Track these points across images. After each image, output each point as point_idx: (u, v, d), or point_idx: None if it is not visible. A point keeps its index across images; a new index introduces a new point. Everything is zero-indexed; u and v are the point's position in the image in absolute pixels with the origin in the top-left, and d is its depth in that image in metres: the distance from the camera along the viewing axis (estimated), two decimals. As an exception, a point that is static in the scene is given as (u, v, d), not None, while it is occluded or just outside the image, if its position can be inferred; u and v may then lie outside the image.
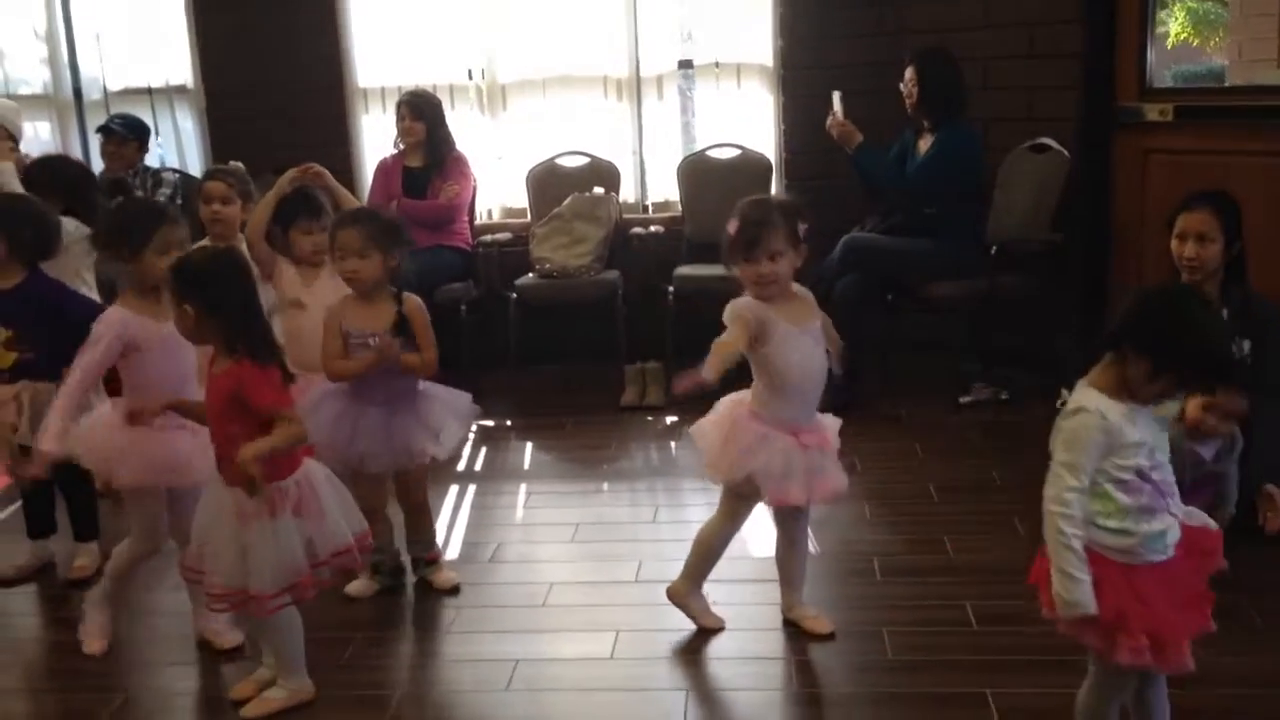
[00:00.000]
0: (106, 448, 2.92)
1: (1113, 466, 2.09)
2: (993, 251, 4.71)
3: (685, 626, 3.08)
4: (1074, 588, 2.08)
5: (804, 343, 2.86)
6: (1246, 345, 3.22)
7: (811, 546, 3.33)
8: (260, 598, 2.57)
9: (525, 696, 2.81)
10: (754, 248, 2.78)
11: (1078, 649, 2.26)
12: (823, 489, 2.89)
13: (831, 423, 2.99)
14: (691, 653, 2.97)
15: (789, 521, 3.01)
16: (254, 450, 2.50)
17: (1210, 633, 2.15)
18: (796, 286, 2.91)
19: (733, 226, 2.82)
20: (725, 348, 2.71)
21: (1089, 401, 2.10)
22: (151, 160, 5.54)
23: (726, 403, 2.99)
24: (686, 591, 3.07)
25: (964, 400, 4.84)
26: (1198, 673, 2.16)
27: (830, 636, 2.95)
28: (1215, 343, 2.09)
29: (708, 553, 3.05)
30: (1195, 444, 2.80)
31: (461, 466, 4.47)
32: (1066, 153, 4.87)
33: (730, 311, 2.81)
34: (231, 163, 4.09)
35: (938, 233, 4.81)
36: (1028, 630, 2.83)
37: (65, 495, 3.68)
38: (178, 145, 5.90)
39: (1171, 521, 2.12)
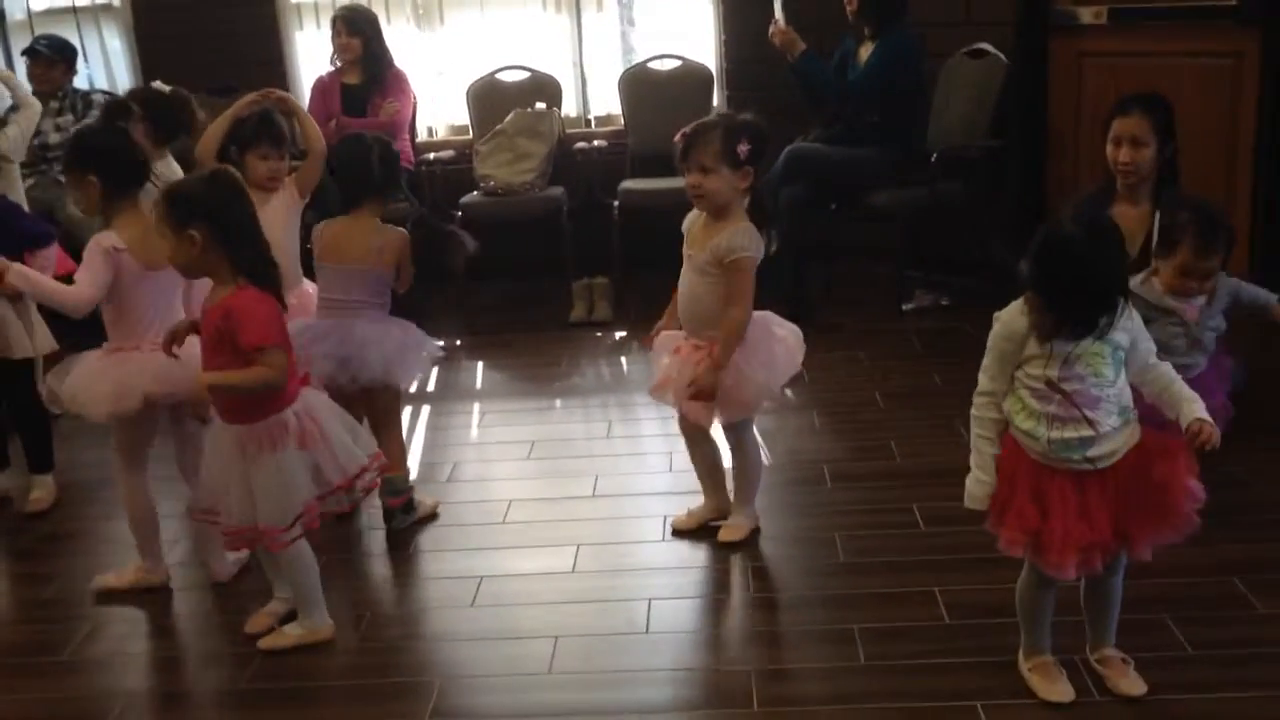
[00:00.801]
0: (87, 375, 2.90)
1: (1024, 375, 2.21)
2: (933, 159, 4.76)
3: (644, 538, 3.16)
4: (972, 482, 2.29)
5: (687, 266, 2.96)
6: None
7: (764, 458, 3.42)
8: (270, 532, 2.59)
9: (491, 612, 2.87)
10: (684, 158, 2.87)
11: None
12: (679, 402, 2.98)
13: (760, 363, 2.95)
14: (651, 564, 3.05)
15: (685, 421, 3.09)
16: (211, 378, 2.51)
17: (1132, 554, 2.26)
18: (740, 219, 2.89)
19: (678, 135, 2.90)
20: None
21: (1004, 313, 2.26)
22: (80, 82, 5.40)
23: None
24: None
25: (906, 307, 4.93)
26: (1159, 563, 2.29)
27: (734, 546, 3.06)
28: (1098, 279, 2.13)
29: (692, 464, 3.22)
30: (1179, 303, 2.83)
31: (414, 387, 4.48)
32: (1004, 58, 4.90)
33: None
34: (155, 83, 3.99)
35: (879, 141, 4.85)
36: (972, 530, 2.90)
37: (19, 428, 3.66)
38: (106, 66, 5.75)
39: (1092, 435, 2.18)
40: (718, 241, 2.86)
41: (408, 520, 3.30)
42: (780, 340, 3.03)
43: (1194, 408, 2.23)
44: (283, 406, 2.59)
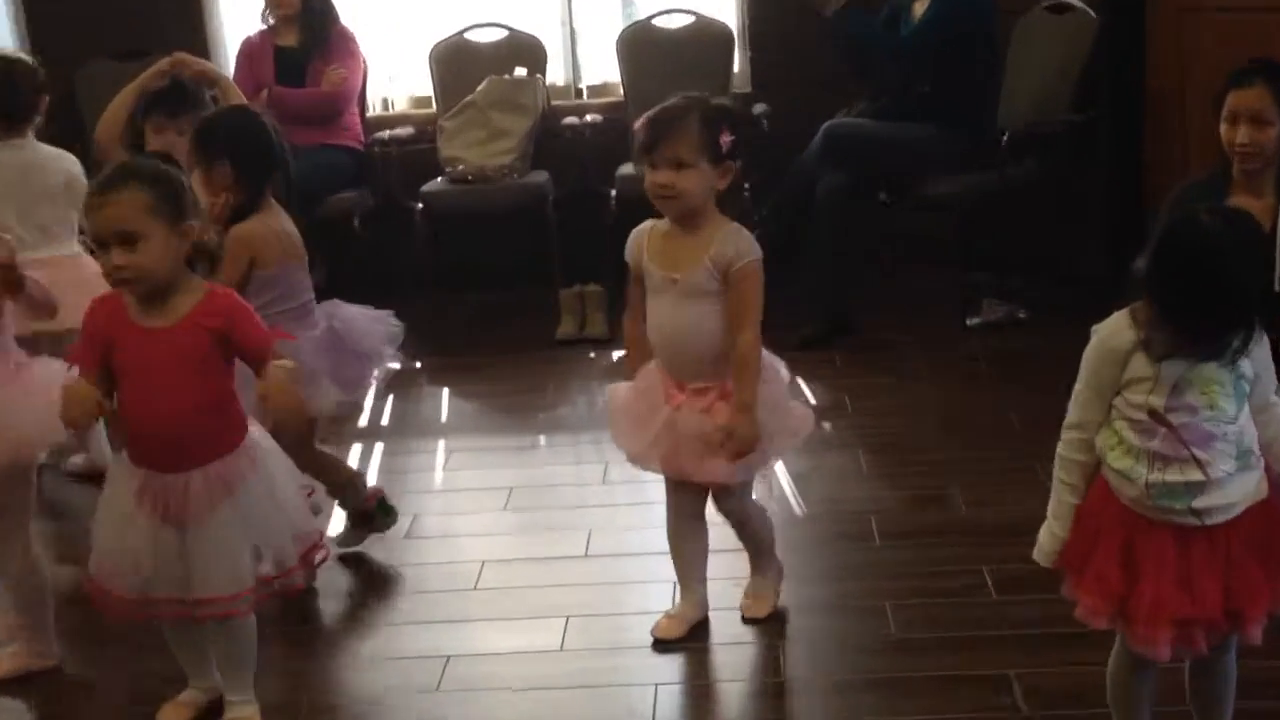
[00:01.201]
0: None
1: (1123, 403, 2.21)
2: (1004, 138, 4.80)
3: (647, 608, 3.18)
4: (1044, 533, 2.32)
5: (667, 295, 2.86)
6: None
7: (795, 507, 3.44)
8: (222, 599, 2.62)
9: (460, 699, 2.89)
10: (651, 150, 2.78)
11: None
12: (694, 466, 2.88)
13: (775, 405, 2.92)
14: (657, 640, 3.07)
15: (680, 494, 3.03)
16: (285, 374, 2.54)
17: (1243, 635, 2.25)
18: (724, 221, 2.86)
19: (640, 121, 2.83)
20: None
21: (1103, 326, 2.25)
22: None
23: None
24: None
25: (973, 321, 4.97)
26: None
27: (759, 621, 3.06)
28: (1236, 293, 2.12)
29: (673, 553, 3.12)
30: None
31: (364, 420, 4.53)
32: (1092, 12, 4.95)
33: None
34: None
35: (938, 116, 4.89)
36: (1055, 599, 2.92)
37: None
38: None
39: (1201, 480, 2.18)
40: (718, 251, 2.81)
41: (389, 523, 3.50)
42: (783, 382, 3.01)
43: None
44: (244, 430, 2.65)
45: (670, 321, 2.88)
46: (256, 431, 2.71)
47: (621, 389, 3.03)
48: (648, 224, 2.92)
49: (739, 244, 2.83)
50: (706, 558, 3.10)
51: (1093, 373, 2.25)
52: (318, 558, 2.80)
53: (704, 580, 3.10)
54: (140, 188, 2.51)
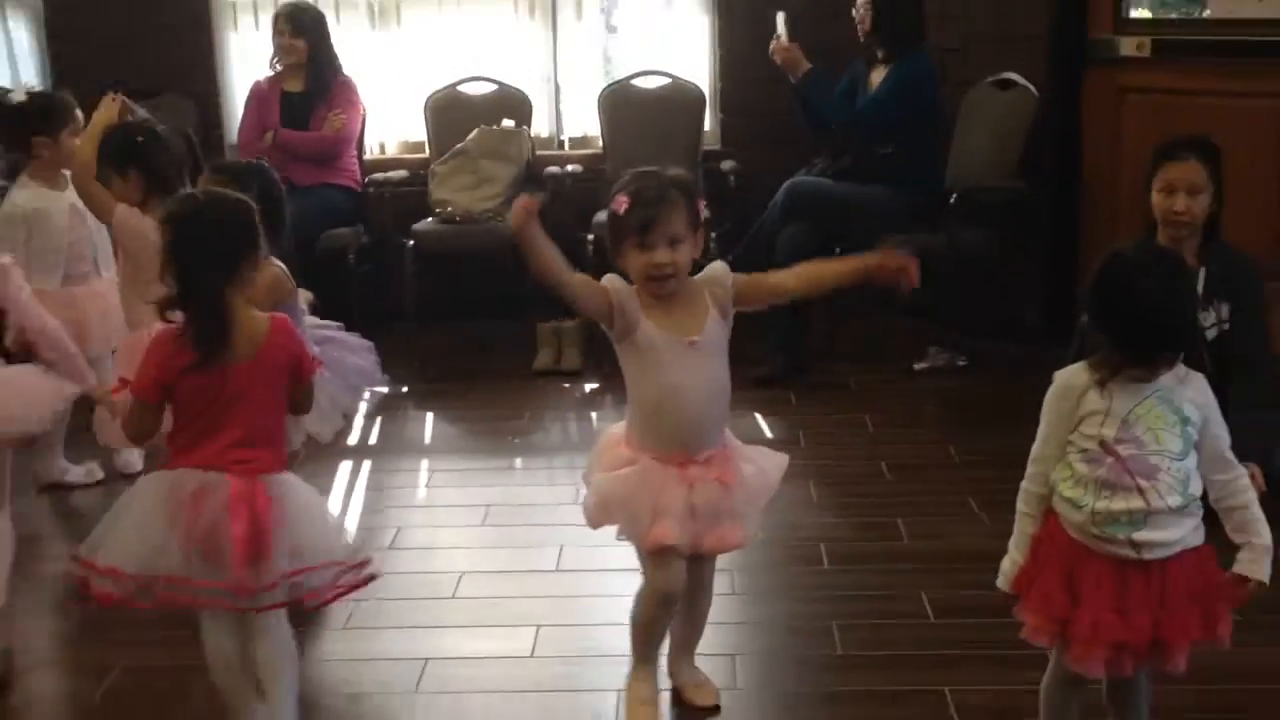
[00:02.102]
0: None
1: (1079, 436, 2.26)
2: (952, 200, 4.87)
3: (613, 620, 3.19)
4: (1006, 561, 2.35)
5: (689, 360, 2.59)
6: (1226, 309, 3.40)
7: (753, 533, 3.45)
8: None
9: (437, 699, 2.90)
10: (647, 232, 2.52)
11: (1036, 644, 2.40)
12: (712, 538, 2.65)
13: (754, 455, 2.75)
14: (621, 650, 3.05)
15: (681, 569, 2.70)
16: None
17: (1165, 665, 2.27)
18: (698, 277, 2.66)
19: (621, 204, 2.54)
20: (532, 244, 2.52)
21: (1063, 370, 2.31)
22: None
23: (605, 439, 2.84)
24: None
25: (918, 366, 5.02)
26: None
27: (714, 710, 2.80)
28: (1162, 311, 2.18)
29: (641, 634, 2.78)
30: None
31: (353, 440, 4.54)
32: (1034, 90, 5.03)
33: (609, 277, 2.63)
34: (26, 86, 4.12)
35: (892, 178, 4.96)
36: (989, 623, 2.96)
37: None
38: (10, 61, 5.79)
39: (1143, 509, 2.21)
40: (711, 295, 2.62)
41: None
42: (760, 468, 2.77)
43: (1254, 559, 2.23)
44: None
45: (697, 383, 2.61)
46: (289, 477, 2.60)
47: (613, 481, 2.69)
48: (630, 289, 2.61)
49: (714, 275, 2.65)
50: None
51: (1052, 410, 2.29)
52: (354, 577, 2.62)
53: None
54: None
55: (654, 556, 2.64)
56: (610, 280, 2.62)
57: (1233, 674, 2.73)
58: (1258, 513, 2.27)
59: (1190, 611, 2.25)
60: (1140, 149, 4.44)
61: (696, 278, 2.65)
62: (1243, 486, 2.28)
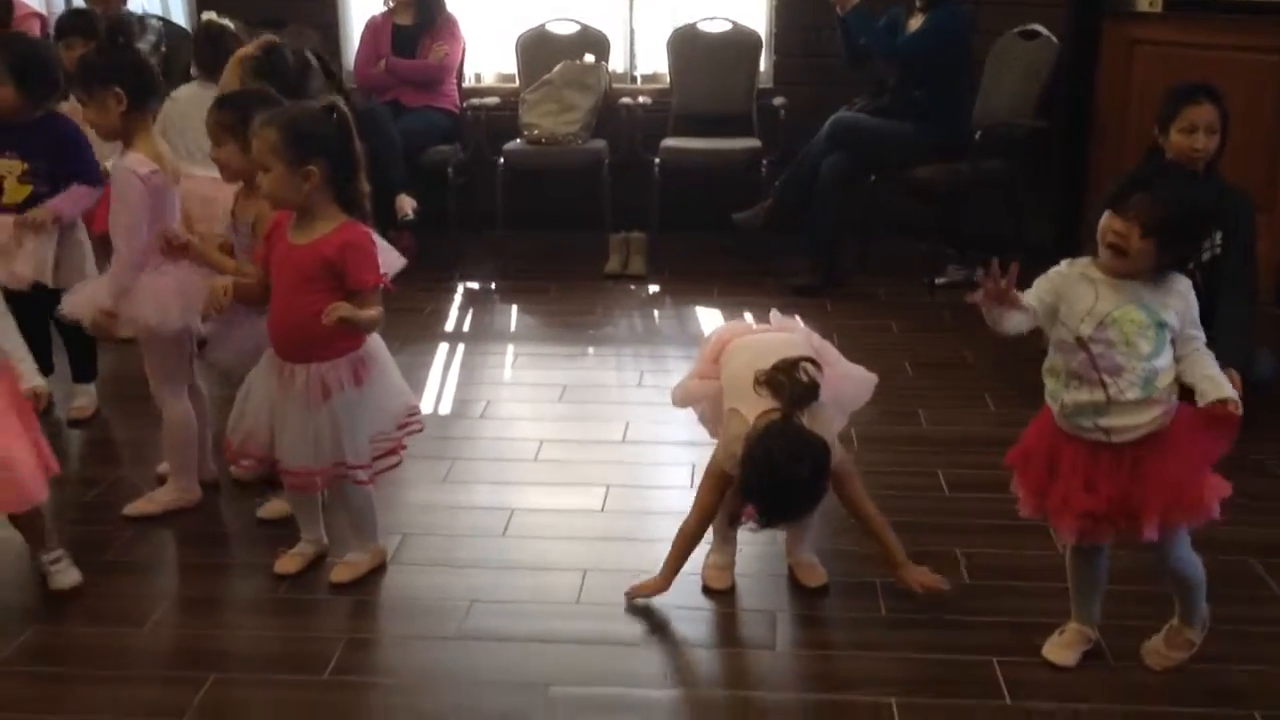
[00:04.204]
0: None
1: (1061, 328, 2.23)
2: (977, 136, 4.78)
3: (672, 484, 3.22)
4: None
5: None
6: (1219, 235, 3.34)
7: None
8: (358, 467, 2.63)
9: (521, 543, 2.95)
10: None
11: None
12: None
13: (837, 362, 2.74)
14: (678, 508, 3.06)
15: None
16: (344, 313, 2.47)
17: (1139, 533, 2.23)
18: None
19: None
20: None
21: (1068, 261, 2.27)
22: (133, 6, 5.44)
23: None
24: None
25: (939, 281, 4.96)
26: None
27: (823, 590, 2.73)
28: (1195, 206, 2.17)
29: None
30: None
31: (450, 326, 4.57)
32: (1055, 39, 4.91)
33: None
34: (206, 15, 4.04)
35: (924, 116, 4.86)
36: (995, 497, 2.97)
37: (64, 337, 3.73)
38: (161, -6, 5.78)
39: (1104, 400, 2.18)
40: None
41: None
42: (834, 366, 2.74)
43: (1213, 386, 2.16)
44: (360, 344, 2.61)
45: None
46: (375, 346, 2.65)
47: (704, 387, 2.72)
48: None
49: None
50: None
51: (1047, 275, 2.27)
52: (407, 431, 2.77)
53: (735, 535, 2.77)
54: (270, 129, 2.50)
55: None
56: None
57: None
58: (1209, 361, 2.21)
59: (1161, 486, 2.21)
60: (1148, 94, 4.36)
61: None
62: (1200, 349, 2.22)
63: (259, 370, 2.69)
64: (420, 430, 2.82)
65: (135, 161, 2.86)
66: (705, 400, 2.74)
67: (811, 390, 2.44)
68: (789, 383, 2.45)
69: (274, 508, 3.02)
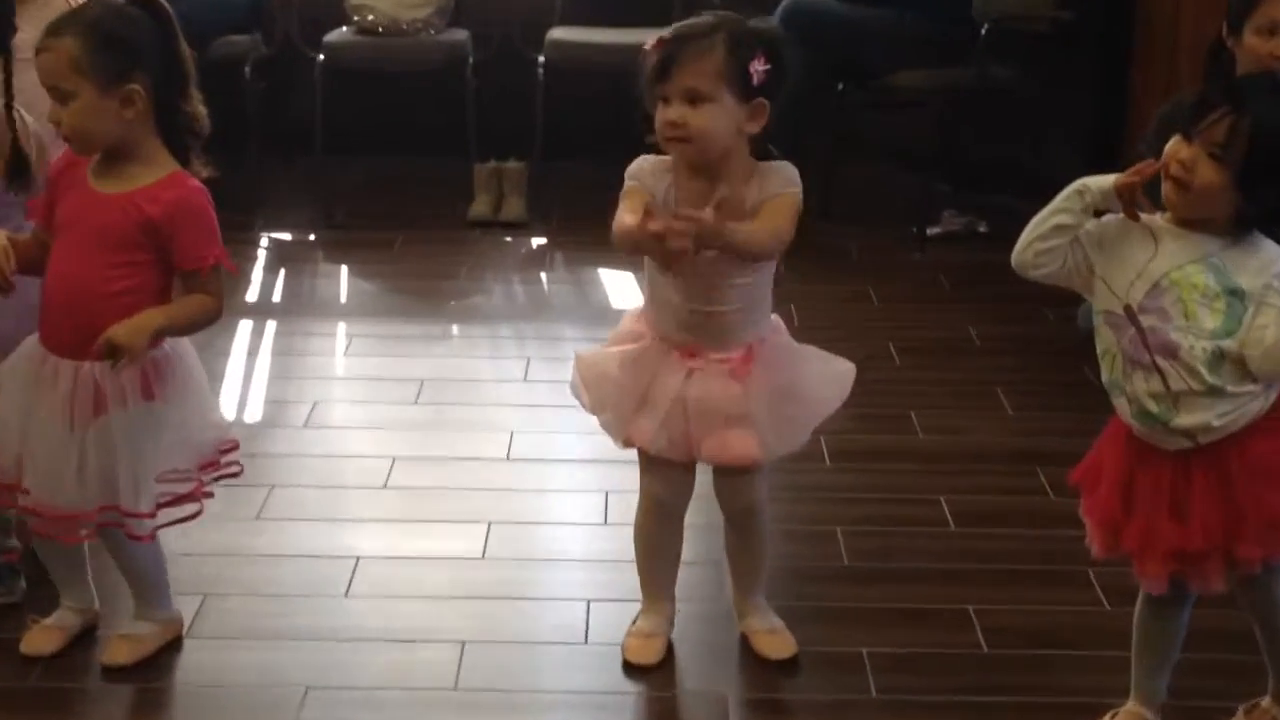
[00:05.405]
0: None
1: (1106, 293, 2.31)
2: (983, 31, 4.89)
3: (580, 519, 3.29)
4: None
5: (696, 262, 2.50)
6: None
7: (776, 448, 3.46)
8: (135, 515, 2.61)
9: (372, 605, 2.97)
10: (663, 79, 2.50)
11: (1078, 558, 2.53)
12: (711, 444, 2.64)
13: (810, 355, 2.79)
14: (589, 555, 3.17)
15: (670, 484, 2.76)
16: (160, 321, 2.48)
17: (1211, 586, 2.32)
18: (757, 164, 2.60)
19: (651, 42, 2.56)
20: (624, 233, 2.52)
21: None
22: None
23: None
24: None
25: (932, 232, 5.10)
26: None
27: (791, 663, 2.78)
28: None
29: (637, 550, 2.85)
30: None
31: (253, 295, 4.57)
32: (1085, -103, 5.06)
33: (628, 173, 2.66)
34: None
35: (910, 1, 4.98)
36: (1018, 533, 3.11)
37: None
38: None
39: (1162, 392, 2.25)
40: (761, 195, 2.57)
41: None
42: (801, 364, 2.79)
43: None
44: (157, 342, 2.57)
45: (678, 283, 2.60)
46: (180, 348, 2.64)
47: (597, 358, 2.75)
48: (663, 161, 2.62)
49: (781, 176, 2.59)
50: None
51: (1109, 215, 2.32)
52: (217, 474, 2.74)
53: (673, 594, 2.88)
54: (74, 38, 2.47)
55: (642, 456, 2.71)
56: (634, 169, 2.64)
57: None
58: None
59: (1258, 502, 2.27)
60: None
61: (768, 164, 2.62)
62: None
63: (13, 362, 2.65)
64: (238, 474, 2.79)
65: None
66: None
67: None
68: None
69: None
